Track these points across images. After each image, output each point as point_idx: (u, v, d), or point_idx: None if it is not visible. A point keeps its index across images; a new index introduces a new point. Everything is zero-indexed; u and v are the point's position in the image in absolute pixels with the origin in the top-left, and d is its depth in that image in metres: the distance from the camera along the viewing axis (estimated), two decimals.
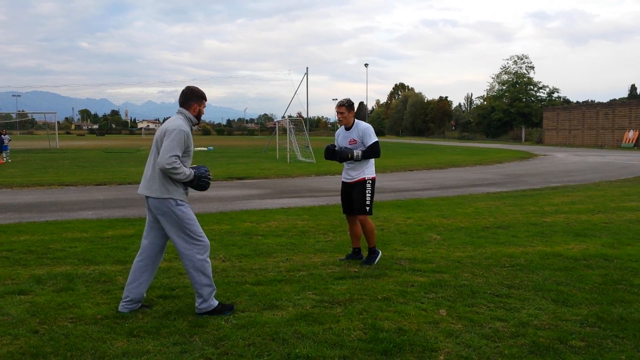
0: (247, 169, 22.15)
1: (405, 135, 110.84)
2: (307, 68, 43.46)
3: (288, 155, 29.70)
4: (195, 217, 4.68)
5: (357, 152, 6.16)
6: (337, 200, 12.75)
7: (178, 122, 4.58)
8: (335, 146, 6.35)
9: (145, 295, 4.80)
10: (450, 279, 5.66)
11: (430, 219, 9.64)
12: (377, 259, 6.33)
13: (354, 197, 6.31)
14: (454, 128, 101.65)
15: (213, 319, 4.48)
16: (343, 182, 6.58)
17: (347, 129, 6.37)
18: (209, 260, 4.65)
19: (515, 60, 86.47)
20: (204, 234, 4.67)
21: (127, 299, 4.67)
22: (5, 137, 28.92)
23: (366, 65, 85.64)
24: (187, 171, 4.52)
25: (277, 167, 23.83)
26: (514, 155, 35.55)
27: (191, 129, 4.69)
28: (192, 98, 4.70)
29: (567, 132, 61.84)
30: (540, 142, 65.26)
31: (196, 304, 4.60)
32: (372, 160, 6.37)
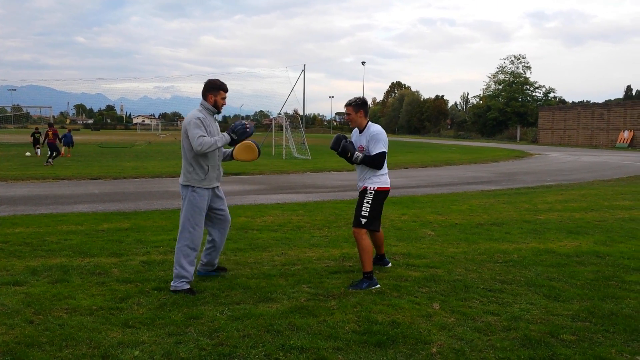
0: (243, 165, 22.16)
1: (401, 133, 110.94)
2: (304, 65, 43.37)
3: (284, 152, 29.71)
4: (203, 207, 5.13)
5: (358, 155, 5.33)
6: (332, 196, 12.81)
7: (191, 113, 5.08)
8: (347, 138, 5.50)
9: (217, 262, 5.60)
10: (443, 274, 5.71)
11: (425, 215, 9.68)
12: (370, 287, 5.19)
13: (356, 206, 5.47)
14: (449, 127, 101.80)
15: (208, 310, 4.51)
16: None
17: (360, 132, 5.52)
18: (193, 250, 5.09)
19: (512, 60, 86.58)
20: (200, 226, 5.14)
21: (203, 263, 5.50)
22: (68, 135, 28.85)
23: (363, 63, 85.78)
24: (219, 139, 4.99)
25: (272, 164, 23.84)
26: (509, 154, 35.66)
27: (213, 117, 5.22)
28: (207, 90, 5.14)
29: (562, 132, 62.03)
30: (535, 141, 65.44)
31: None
32: (384, 170, 5.46)
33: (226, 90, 5.21)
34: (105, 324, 4.18)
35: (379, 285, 5.22)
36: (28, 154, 27.61)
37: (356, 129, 5.58)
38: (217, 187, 5.34)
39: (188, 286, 5.02)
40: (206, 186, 5.14)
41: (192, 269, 5.09)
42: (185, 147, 5.11)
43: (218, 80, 5.18)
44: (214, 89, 5.12)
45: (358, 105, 5.44)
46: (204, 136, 4.92)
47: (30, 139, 28.31)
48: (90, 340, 3.86)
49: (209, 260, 5.50)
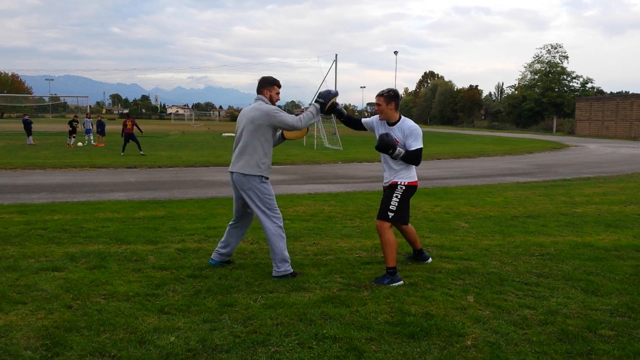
0: (275, 155, 22.13)
1: (433, 124, 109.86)
2: (336, 55, 43.20)
3: (315, 142, 29.72)
4: (273, 192, 5.42)
5: (401, 151, 5.12)
6: (364, 187, 12.77)
7: (262, 105, 5.26)
8: (387, 134, 5.20)
9: (233, 253, 5.76)
10: (478, 267, 5.64)
11: (459, 207, 9.58)
12: (392, 283, 5.03)
13: (382, 198, 5.34)
14: (483, 117, 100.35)
15: (242, 298, 4.55)
16: (383, 187, 5.57)
17: (390, 124, 5.34)
18: (283, 230, 5.33)
19: (548, 50, 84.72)
20: (278, 209, 5.39)
21: (221, 247, 5.60)
22: (88, 121, 28.99)
23: (396, 52, 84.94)
24: (312, 111, 5.30)
25: (304, 154, 23.88)
26: (545, 145, 35.00)
27: None
28: (261, 86, 5.39)
29: (599, 123, 60.54)
30: (571, 133, 64.05)
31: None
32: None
33: (280, 86, 5.46)
34: (142, 309, 4.25)
35: (402, 282, 5.06)
36: (80, 144, 27.11)
37: (379, 120, 5.41)
38: None
39: (292, 269, 5.25)
40: (269, 175, 5.40)
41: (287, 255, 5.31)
42: (260, 138, 5.22)
43: (272, 77, 5.44)
44: (269, 84, 5.37)
45: (390, 97, 5.28)
46: (292, 115, 5.29)
47: (68, 128, 27.82)
48: (127, 325, 3.93)
49: (231, 250, 5.67)
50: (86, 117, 29.60)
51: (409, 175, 5.28)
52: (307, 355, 3.53)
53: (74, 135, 27.12)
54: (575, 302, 4.60)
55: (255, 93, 5.42)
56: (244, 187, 5.23)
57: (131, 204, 9.56)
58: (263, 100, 5.33)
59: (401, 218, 5.26)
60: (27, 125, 27.67)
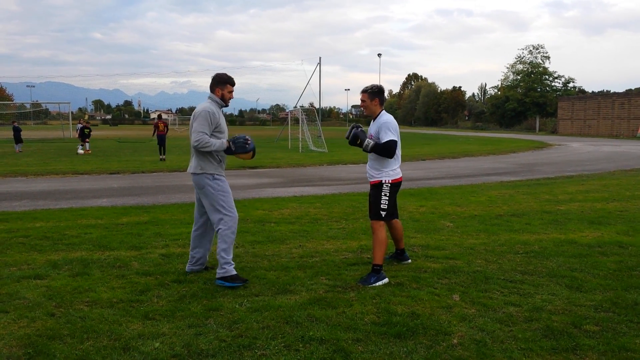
0: (260, 158, 22.17)
1: (417, 125, 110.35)
2: (319, 58, 43.32)
3: (300, 145, 29.70)
4: (229, 190, 5.20)
5: (369, 142, 5.20)
6: (349, 188, 12.77)
7: (203, 105, 5.15)
8: (359, 127, 5.39)
9: (207, 259, 5.54)
10: (463, 266, 5.66)
11: (444, 207, 9.61)
12: (377, 282, 5.06)
13: (370, 199, 5.37)
14: (467, 118, 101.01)
15: (227, 302, 4.51)
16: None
17: (373, 120, 5.42)
18: (233, 232, 5.13)
19: (530, 50, 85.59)
20: (234, 208, 5.21)
21: (193, 260, 5.44)
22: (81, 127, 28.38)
23: (379, 55, 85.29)
24: (216, 142, 5.04)
25: (289, 157, 23.85)
26: (528, 144, 35.29)
27: (221, 110, 5.30)
28: (214, 84, 5.24)
29: (582, 122, 61.20)
30: (554, 132, 64.67)
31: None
32: (396, 160, 5.33)
33: (233, 84, 5.29)
34: (126, 316, 4.21)
35: (387, 280, 5.09)
36: (83, 152, 25.77)
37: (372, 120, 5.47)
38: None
39: (235, 272, 5.06)
40: (222, 173, 5.22)
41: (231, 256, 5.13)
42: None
43: (225, 75, 5.28)
44: (221, 83, 5.23)
45: (374, 92, 5.33)
46: (205, 134, 4.99)
47: (77, 134, 26.31)
48: (111, 332, 3.88)
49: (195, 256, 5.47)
50: (79, 123, 28.99)
51: (393, 172, 5.30)
52: (293, 357, 3.51)
53: (87, 140, 26.19)
54: (560, 298, 4.63)
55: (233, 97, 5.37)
56: (198, 187, 5.19)
57: (114, 210, 9.48)
58: (212, 99, 5.22)
59: (391, 214, 5.40)
60: (17, 133, 27.25)
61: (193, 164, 5.21)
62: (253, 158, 5.51)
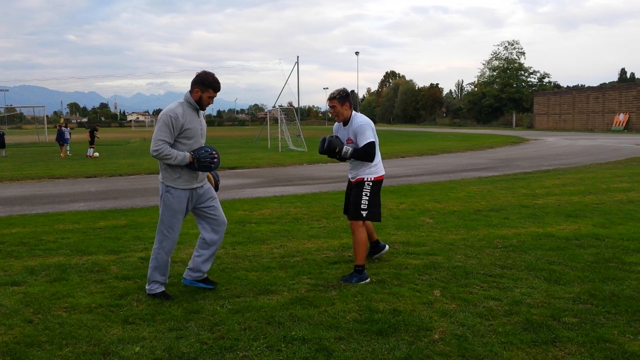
0: (239, 159, 22.09)
1: (396, 123, 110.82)
2: (297, 57, 43.28)
3: (280, 145, 29.65)
4: (180, 208, 4.65)
5: (348, 149, 5.08)
6: (330, 187, 12.78)
7: (169, 106, 4.55)
8: (332, 136, 5.25)
9: (206, 271, 4.95)
10: (443, 261, 5.69)
11: (423, 203, 9.67)
12: (360, 282, 5.01)
13: (351, 198, 5.27)
14: (445, 115, 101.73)
15: (208, 304, 4.48)
16: (348, 180, 5.54)
17: (345, 124, 5.27)
18: (166, 253, 4.73)
19: (506, 46, 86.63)
20: (175, 230, 4.71)
21: (190, 267, 4.89)
22: (66, 130, 27.75)
23: (357, 53, 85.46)
24: (178, 155, 4.47)
25: (269, 157, 23.79)
26: (505, 140, 35.67)
27: (197, 112, 4.65)
28: (196, 83, 4.58)
29: (557, 117, 62.06)
30: (531, 127, 65.45)
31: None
32: (377, 159, 5.25)
33: (216, 90, 4.61)
34: (105, 321, 4.16)
35: (369, 280, 5.06)
36: (97, 154, 25.30)
37: (337, 123, 5.38)
38: (199, 187, 4.75)
39: (162, 289, 4.73)
40: (181, 186, 4.60)
41: (162, 278, 4.75)
42: None
43: (211, 77, 4.59)
44: (203, 85, 4.55)
45: (343, 97, 5.16)
46: (165, 142, 4.43)
47: (88, 137, 25.88)
48: (90, 337, 3.83)
49: (195, 265, 4.85)
50: (64, 127, 28.50)
51: (375, 170, 5.22)
52: (275, 358, 3.50)
53: (93, 145, 25.80)
54: (539, 291, 4.69)
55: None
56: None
57: (92, 214, 9.36)
58: (185, 100, 4.59)
59: (374, 214, 5.24)
60: (0, 138, 26.93)
61: (160, 171, 4.75)
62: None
